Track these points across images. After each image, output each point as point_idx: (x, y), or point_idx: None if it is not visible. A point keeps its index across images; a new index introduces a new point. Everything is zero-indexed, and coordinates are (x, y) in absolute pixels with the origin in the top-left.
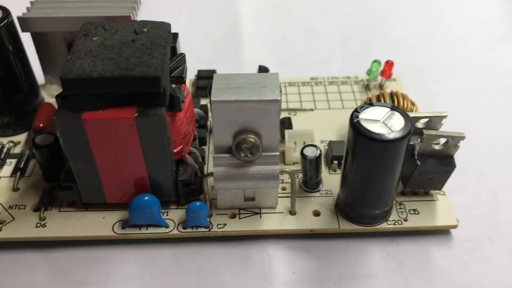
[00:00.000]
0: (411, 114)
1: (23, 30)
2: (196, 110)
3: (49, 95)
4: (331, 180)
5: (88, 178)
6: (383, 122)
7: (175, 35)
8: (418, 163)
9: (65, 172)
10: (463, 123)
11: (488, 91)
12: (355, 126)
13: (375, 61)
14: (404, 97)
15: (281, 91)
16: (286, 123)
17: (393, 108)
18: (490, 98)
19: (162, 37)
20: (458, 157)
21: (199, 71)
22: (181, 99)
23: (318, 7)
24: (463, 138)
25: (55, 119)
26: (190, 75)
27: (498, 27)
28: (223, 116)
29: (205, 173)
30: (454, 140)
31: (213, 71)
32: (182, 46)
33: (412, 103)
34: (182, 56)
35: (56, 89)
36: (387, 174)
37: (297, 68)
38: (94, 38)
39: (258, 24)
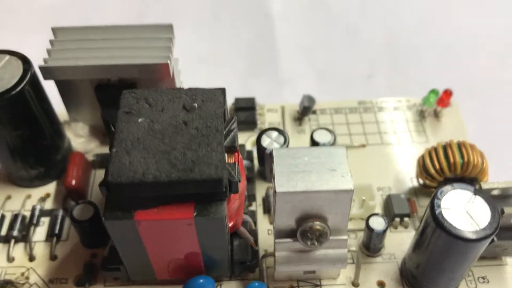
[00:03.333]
0: (486, 186)
1: (45, 78)
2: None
3: (75, 134)
4: (392, 240)
5: (137, 261)
6: (468, 212)
7: (224, 91)
8: (495, 239)
9: (109, 249)
10: None
11: None
12: (437, 219)
13: (432, 91)
14: (473, 148)
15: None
16: None
17: (476, 191)
18: None
19: (217, 116)
20: None
21: (237, 100)
22: (238, 179)
23: (359, 4)
24: None
25: (105, 221)
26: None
27: None
28: (288, 205)
29: (258, 239)
30: None
31: (252, 100)
32: (209, 54)
33: (481, 155)
34: (234, 120)
35: (81, 128)
36: (467, 263)
37: (341, 83)
38: (140, 120)
39: (293, 24)
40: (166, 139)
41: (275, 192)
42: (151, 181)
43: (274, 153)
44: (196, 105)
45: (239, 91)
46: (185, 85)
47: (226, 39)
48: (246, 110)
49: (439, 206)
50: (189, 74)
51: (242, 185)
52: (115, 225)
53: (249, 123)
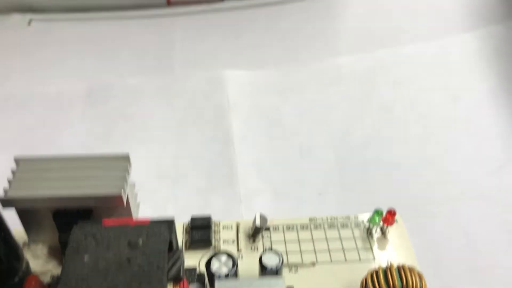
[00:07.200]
0: None
1: (3, 206)
2: None
3: (34, 255)
4: None
5: None
6: None
7: (171, 224)
8: None
9: None
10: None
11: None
12: None
13: (376, 211)
14: (412, 271)
15: None
16: None
17: None
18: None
19: (159, 252)
20: None
21: (193, 219)
22: None
23: (311, 126)
24: None
25: None
26: (184, 213)
27: (501, 148)
28: None
29: None
30: None
31: (208, 219)
32: (173, 172)
33: (420, 276)
34: (180, 251)
35: (41, 248)
36: None
37: (293, 200)
38: (86, 259)
39: (251, 141)
40: (109, 277)
41: None
42: None
43: (216, 285)
44: (140, 241)
45: (198, 207)
46: (144, 202)
47: (188, 157)
48: (202, 229)
49: None
50: (150, 190)
51: None
52: None
53: (203, 241)
